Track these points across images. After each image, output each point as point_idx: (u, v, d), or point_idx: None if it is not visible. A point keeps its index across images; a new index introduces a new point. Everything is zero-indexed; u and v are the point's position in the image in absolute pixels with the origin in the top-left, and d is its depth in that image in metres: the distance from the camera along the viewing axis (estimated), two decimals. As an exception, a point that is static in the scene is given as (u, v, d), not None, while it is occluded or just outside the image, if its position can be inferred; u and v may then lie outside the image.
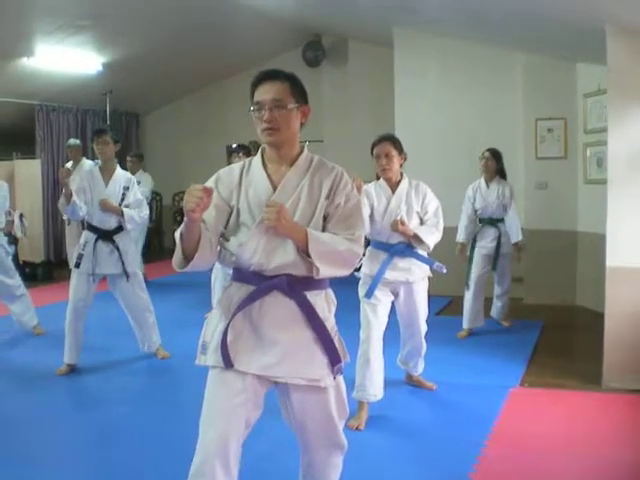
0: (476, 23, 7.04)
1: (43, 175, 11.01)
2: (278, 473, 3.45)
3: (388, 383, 4.45)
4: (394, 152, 4.28)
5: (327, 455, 2.78)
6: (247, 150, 6.94)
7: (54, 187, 11.19)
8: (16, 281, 6.53)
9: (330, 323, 2.60)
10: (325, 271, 2.46)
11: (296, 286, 2.50)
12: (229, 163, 12.44)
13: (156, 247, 12.31)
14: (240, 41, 10.16)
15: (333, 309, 2.66)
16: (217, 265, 7.04)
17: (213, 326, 2.60)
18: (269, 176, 2.57)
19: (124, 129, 12.65)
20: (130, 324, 5.71)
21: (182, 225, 2.43)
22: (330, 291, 2.66)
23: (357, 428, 4.05)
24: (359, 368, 4.21)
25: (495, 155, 6.42)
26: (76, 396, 5.05)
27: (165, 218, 12.67)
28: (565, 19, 5.53)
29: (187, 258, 2.48)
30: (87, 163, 9.32)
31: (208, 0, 8.24)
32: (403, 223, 4.24)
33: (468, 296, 6.38)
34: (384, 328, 4.38)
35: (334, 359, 2.55)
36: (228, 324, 2.50)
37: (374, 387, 4.25)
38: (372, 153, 4.34)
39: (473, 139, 7.64)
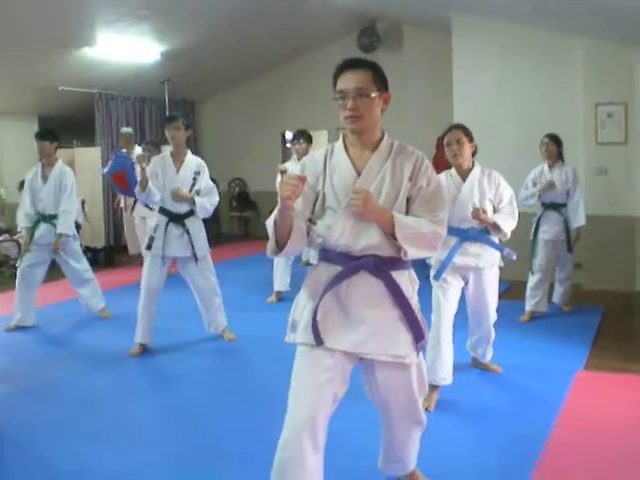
0: (537, 9, 7.01)
1: (102, 162, 11.23)
2: (354, 452, 3.53)
3: (456, 366, 4.50)
4: (465, 139, 4.33)
5: (408, 430, 2.88)
6: (307, 136, 7.01)
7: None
8: (84, 265, 6.72)
9: (414, 301, 2.68)
10: (412, 252, 2.56)
11: (382, 266, 2.59)
12: (284, 150, 12.66)
13: (214, 233, 12.50)
14: (295, 28, 10.26)
15: (416, 288, 2.75)
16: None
17: (302, 305, 2.70)
18: (352, 161, 2.66)
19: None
20: (196, 307, 5.86)
21: (275, 213, 2.53)
22: (412, 271, 2.74)
23: (426, 409, 4.12)
24: (430, 351, 4.27)
25: (555, 139, 6.40)
26: (148, 376, 5.20)
27: (221, 204, 12.81)
28: (628, 4, 5.50)
29: (279, 245, 2.57)
30: (139, 150, 9.50)
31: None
32: (485, 211, 4.28)
33: (532, 281, 6.40)
34: (454, 312, 4.44)
35: (418, 336, 2.63)
36: (318, 303, 2.59)
37: (444, 370, 4.31)
38: (442, 143, 4.41)
39: (533, 125, 7.59)
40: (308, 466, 2.54)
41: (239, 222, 13.43)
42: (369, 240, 2.57)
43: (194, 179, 5.51)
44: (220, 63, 11.11)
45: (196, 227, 5.58)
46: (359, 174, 2.63)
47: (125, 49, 9.52)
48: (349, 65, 2.66)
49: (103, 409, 4.42)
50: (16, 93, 10.51)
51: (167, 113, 11.42)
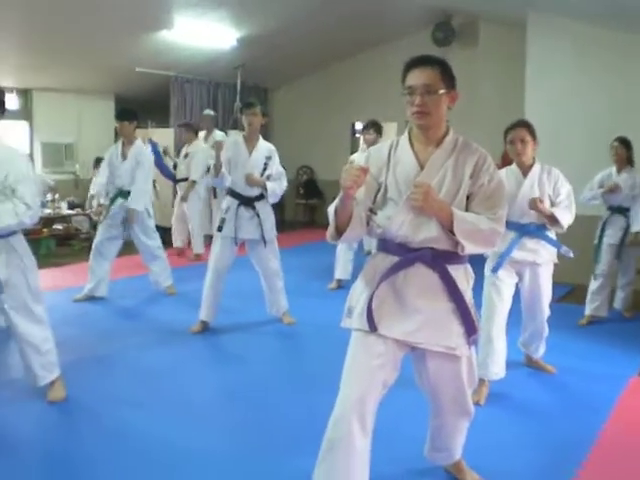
0: (614, 10, 6.94)
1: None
2: (401, 439, 3.61)
3: (508, 364, 4.54)
4: (529, 137, 4.37)
5: (455, 420, 2.97)
6: (378, 127, 7.08)
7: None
8: (155, 242, 6.95)
9: (468, 296, 2.76)
10: (469, 248, 2.64)
11: (438, 259, 2.68)
12: (353, 140, 12.75)
13: (278, 220, 12.68)
14: (371, 20, 10.28)
15: (471, 283, 2.83)
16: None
17: (358, 292, 2.80)
18: (416, 155, 2.74)
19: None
20: (258, 289, 6.03)
21: (336, 200, 2.65)
22: (469, 266, 2.83)
23: (477, 402, 4.17)
24: (481, 346, 4.31)
25: (624, 143, 6.33)
26: (209, 352, 5.40)
27: (287, 191, 12.96)
28: None
29: (339, 231, 2.69)
30: (218, 134, 9.71)
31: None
32: (542, 201, 4.33)
33: (594, 285, 6.36)
34: (508, 309, 4.48)
35: (470, 330, 2.71)
36: (374, 291, 2.69)
37: (495, 365, 4.38)
38: (505, 138, 4.44)
39: (602, 127, 7.50)
40: (355, 447, 2.64)
41: (304, 209, 13.58)
42: (428, 233, 2.66)
43: (265, 164, 5.65)
44: (294, 51, 11.23)
45: (266, 211, 5.74)
46: (422, 168, 2.71)
47: (202, 34, 9.70)
48: (418, 62, 2.72)
49: (162, 381, 4.62)
50: (95, 72, 10.82)
51: (239, 99, 11.62)
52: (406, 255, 2.69)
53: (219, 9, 8.98)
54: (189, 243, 9.71)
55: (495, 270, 4.39)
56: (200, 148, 9.49)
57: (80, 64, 10.27)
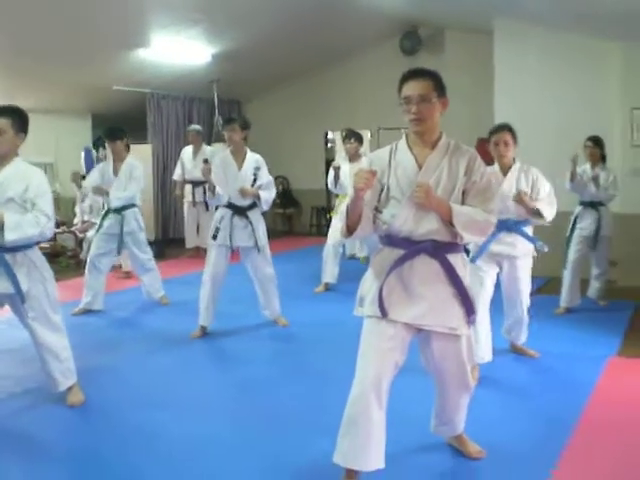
0: (579, 16, 7.32)
1: (154, 159, 11.74)
2: (405, 419, 3.88)
3: (495, 351, 4.93)
4: (511, 140, 4.82)
5: (458, 395, 3.31)
6: (358, 136, 7.42)
7: (164, 170, 11.94)
8: (147, 255, 7.19)
9: (466, 280, 3.09)
10: (467, 237, 2.99)
11: (439, 249, 3.02)
12: (327, 149, 13.06)
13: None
14: (340, 31, 10.58)
15: (467, 269, 3.17)
16: (328, 243, 7.59)
17: (369, 284, 3.13)
18: (415, 157, 3.07)
19: (227, 116, 13.25)
20: (252, 294, 6.33)
21: (348, 201, 2.97)
22: (464, 254, 3.18)
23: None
24: None
25: (596, 142, 6.73)
26: (211, 355, 5.68)
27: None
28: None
29: (350, 229, 3.02)
30: (208, 149, 9.95)
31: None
32: (526, 194, 4.73)
33: (567, 276, 6.72)
34: (490, 296, 4.87)
35: (469, 310, 3.05)
36: (384, 281, 3.00)
37: (481, 350, 4.73)
38: (489, 139, 4.85)
39: (572, 127, 7.89)
40: (374, 419, 2.99)
41: (282, 219, 13.84)
42: (429, 226, 2.99)
43: (255, 174, 5.94)
44: (266, 65, 11.50)
45: (258, 219, 6.05)
46: (420, 168, 3.04)
47: (178, 51, 9.97)
48: (414, 74, 3.08)
49: (173, 382, 4.89)
50: (72, 92, 11.03)
51: (216, 112, 11.90)
52: (410, 247, 3.01)
53: (194, 27, 9.26)
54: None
55: (474, 260, 4.77)
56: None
57: (57, 85, 10.49)
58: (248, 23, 9.55)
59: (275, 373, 5.05)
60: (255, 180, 5.94)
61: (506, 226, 4.80)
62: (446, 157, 3.06)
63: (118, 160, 6.96)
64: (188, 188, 10.38)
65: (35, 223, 3.89)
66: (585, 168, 6.75)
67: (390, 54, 11.30)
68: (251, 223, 5.93)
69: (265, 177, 6.01)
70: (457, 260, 3.08)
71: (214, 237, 5.93)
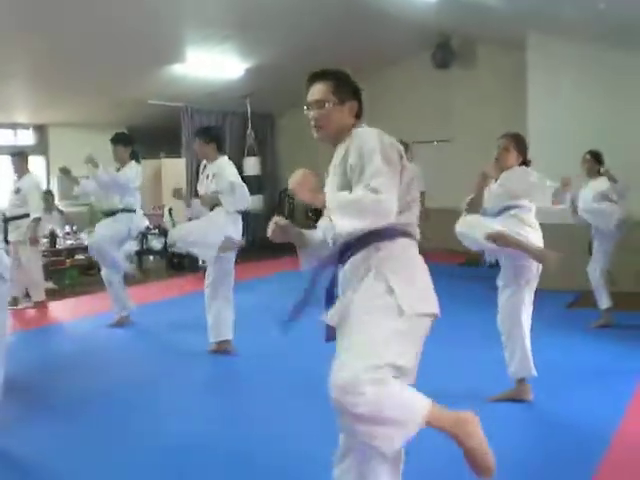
0: (619, 30, 7.26)
1: (187, 173, 11.83)
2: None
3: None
4: (511, 147, 4.57)
5: None
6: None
7: (197, 184, 12.00)
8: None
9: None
10: (345, 224, 2.40)
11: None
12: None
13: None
14: (371, 45, 10.62)
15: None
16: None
17: None
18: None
19: (260, 129, 13.33)
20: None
21: None
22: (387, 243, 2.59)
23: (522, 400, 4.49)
24: (514, 349, 4.54)
25: (594, 155, 6.71)
26: (226, 371, 5.68)
27: (297, 214, 13.30)
28: None
29: None
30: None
31: (343, 5, 8.73)
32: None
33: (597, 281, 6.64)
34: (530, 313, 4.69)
35: None
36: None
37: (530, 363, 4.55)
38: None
39: (606, 144, 7.79)
40: None
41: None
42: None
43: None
44: (298, 79, 11.32)
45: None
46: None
47: (212, 65, 10.09)
48: (312, 78, 2.82)
49: (198, 392, 5.02)
50: (108, 106, 11.18)
51: (249, 126, 12.00)
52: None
53: (227, 42, 9.39)
54: None
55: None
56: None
57: (93, 99, 10.63)
58: (280, 37, 9.63)
59: (307, 384, 5.05)
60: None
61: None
62: (340, 149, 2.68)
63: (122, 166, 6.97)
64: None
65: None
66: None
67: (422, 67, 11.29)
68: None
69: (223, 182, 5.75)
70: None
71: None
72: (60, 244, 9.77)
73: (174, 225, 10.60)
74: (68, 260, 9.71)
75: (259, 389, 5.07)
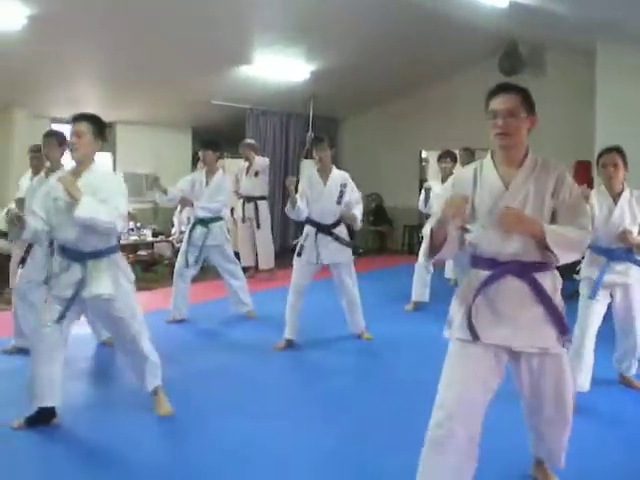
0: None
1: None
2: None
3: (600, 380, 4.81)
4: (621, 162, 4.62)
5: (555, 423, 3.20)
6: (453, 156, 7.39)
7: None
8: (235, 266, 7.33)
9: (557, 299, 3.01)
10: (562, 257, 2.92)
11: (526, 270, 2.95)
12: (421, 168, 13.03)
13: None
14: (437, 50, 10.59)
15: (559, 287, 3.06)
16: (419, 262, 7.55)
17: (457, 306, 3.08)
18: (501, 177, 3.01)
19: (322, 133, 13.35)
20: (338, 308, 6.39)
21: (433, 222, 2.97)
22: (556, 271, 3.07)
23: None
24: (571, 360, 4.46)
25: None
26: (297, 366, 5.78)
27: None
28: None
29: (434, 250, 3.01)
30: (259, 160, 10.09)
31: (409, 11, 8.68)
32: (631, 232, 4.56)
33: None
34: (598, 326, 4.71)
35: (562, 330, 2.96)
36: (471, 304, 2.96)
37: (583, 379, 4.57)
38: (597, 162, 4.71)
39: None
40: (459, 448, 2.88)
41: (374, 236, 13.81)
42: (515, 247, 2.93)
43: (341, 191, 6.02)
44: (363, 83, 11.56)
45: (343, 234, 6.13)
46: (507, 188, 2.98)
47: (278, 68, 10.17)
48: (502, 89, 3.00)
49: (261, 391, 4.99)
50: (174, 105, 11.34)
51: (311, 129, 12.03)
52: (496, 269, 2.96)
53: (294, 45, 9.47)
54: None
55: (592, 296, 4.64)
56: None
57: (160, 98, 10.80)
58: (346, 41, 9.65)
59: (359, 385, 5.20)
60: (341, 197, 6.00)
61: (616, 256, 4.67)
62: (532, 175, 2.98)
63: (210, 172, 7.09)
64: (238, 203, 10.19)
65: (108, 213, 3.96)
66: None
67: (488, 75, 11.07)
68: (337, 239, 6.06)
69: (353, 193, 6.09)
70: (546, 279, 2.99)
71: (299, 254, 6.08)
72: (124, 239, 9.91)
73: (236, 224, 10.69)
74: (131, 256, 9.85)
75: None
